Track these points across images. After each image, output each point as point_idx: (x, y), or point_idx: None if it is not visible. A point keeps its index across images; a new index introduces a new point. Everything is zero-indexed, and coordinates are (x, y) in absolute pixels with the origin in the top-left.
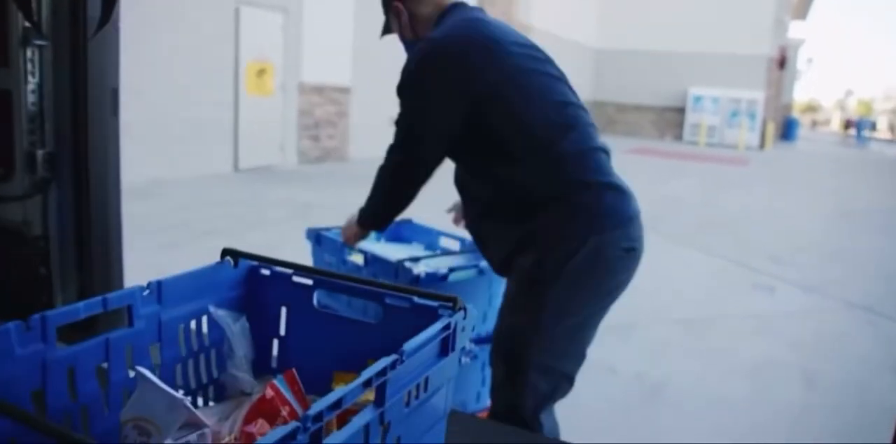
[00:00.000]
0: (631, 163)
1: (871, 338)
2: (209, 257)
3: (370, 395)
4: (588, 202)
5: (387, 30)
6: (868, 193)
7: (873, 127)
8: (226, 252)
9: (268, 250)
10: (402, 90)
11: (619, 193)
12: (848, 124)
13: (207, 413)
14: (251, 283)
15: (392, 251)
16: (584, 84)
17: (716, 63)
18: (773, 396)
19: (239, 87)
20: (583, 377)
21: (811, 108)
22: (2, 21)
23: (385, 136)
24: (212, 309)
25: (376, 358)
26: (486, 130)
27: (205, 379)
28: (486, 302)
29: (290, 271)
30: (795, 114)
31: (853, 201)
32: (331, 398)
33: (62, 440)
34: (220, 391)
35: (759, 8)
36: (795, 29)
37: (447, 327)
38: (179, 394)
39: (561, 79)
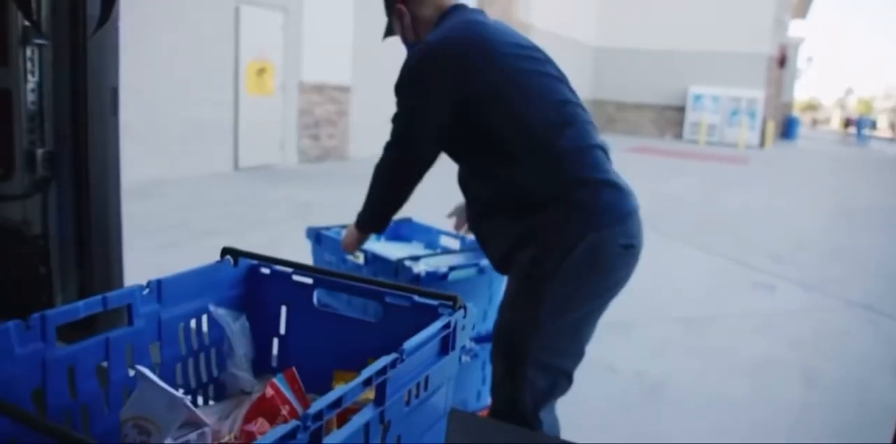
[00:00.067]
0: (631, 161)
1: (872, 337)
2: (209, 256)
3: (370, 394)
4: (585, 199)
5: (389, 32)
6: (868, 192)
7: (873, 125)
8: (226, 251)
9: (268, 250)
10: (400, 89)
11: (617, 190)
12: (848, 123)
13: (207, 412)
14: (251, 282)
15: (392, 250)
16: (583, 83)
17: (716, 61)
18: (773, 394)
19: (239, 86)
20: (582, 376)
21: (811, 106)
22: (1, 20)
23: (385, 135)
24: (212, 308)
25: (376, 357)
26: (486, 131)
27: (205, 378)
28: (487, 301)
29: (290, 269)
30: (795, 112)
31: (853, 200)
32: (331, 396)
33: (62, 439)
34: (220, 390)
35: (760, 6)
36: (795, 27)
37: (447, 325)
38: (179, 393)
39: (561, 79)
